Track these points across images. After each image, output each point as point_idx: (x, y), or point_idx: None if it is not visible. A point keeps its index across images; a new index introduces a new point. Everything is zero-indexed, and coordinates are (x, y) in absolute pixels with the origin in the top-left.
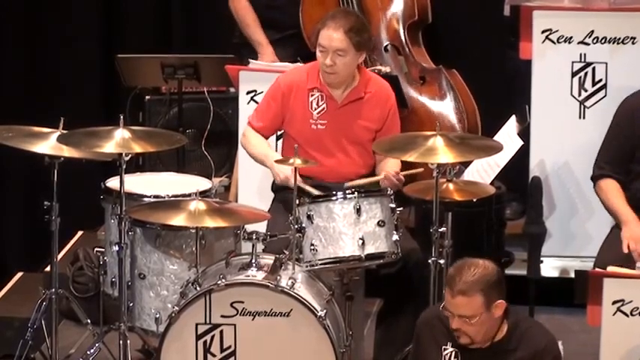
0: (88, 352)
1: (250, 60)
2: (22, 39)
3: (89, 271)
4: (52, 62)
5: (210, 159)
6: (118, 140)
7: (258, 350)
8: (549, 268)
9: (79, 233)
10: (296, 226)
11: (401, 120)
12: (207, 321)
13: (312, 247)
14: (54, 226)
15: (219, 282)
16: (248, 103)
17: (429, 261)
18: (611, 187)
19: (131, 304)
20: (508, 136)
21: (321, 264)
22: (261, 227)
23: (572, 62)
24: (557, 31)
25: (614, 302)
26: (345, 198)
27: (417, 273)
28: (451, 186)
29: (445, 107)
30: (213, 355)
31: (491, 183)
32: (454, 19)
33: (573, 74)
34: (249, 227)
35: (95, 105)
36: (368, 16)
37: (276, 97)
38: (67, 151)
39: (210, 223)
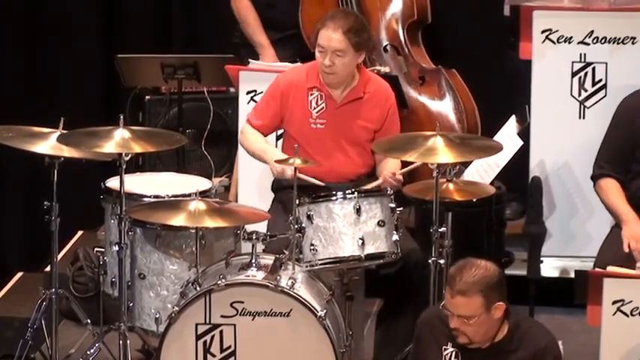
0: (88, 352)
1: (250, 60)
2: (22, 39)
3: (89, 271)
4: (52, 62)
5: (210, 159)
6: (118, 140)
7: (258, 350)
8: (549, 268)
9: (79, 233)
10: (296, 226)
11: (400, 120)
12: (207, 321)
13: (312, 247)
14: (54, 226)
15: (219, 282)
16: (248, 103)
17: (429, 261)
18: (611, 186)
19: (131, 304)
20: (508, 136)
21: (321, 264)
22: (261, 227)
23: (572, 62)
24: (557, 31)
25: (614, 302)
26: (345, 198)
27: (417, 273)
28: (451, 186)
29: (444, 107)
30: (213, 355)
31: (491, 183)
32: (454, 19)
33: (573, 74)
34: (249, 227)
35: (95, 105)
36: (367, 16)
37: (275, 96)
38: (67, 151)
39: (210, 223)
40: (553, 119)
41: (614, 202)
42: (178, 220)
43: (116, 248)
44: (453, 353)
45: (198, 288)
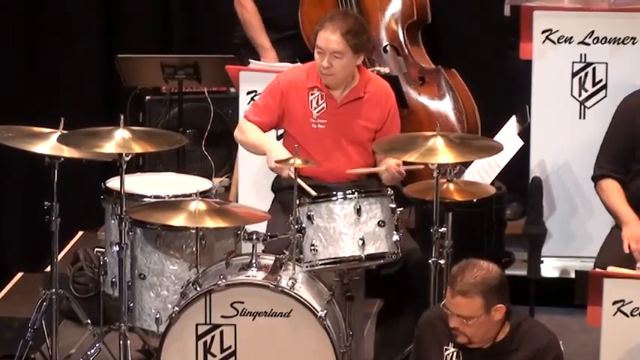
0: (89, 353)
1: (250, 60)
2: (22, 39)
3: (89, 272)
4: (52, 62)
5: (210, 159)
6: (118, 140)
7: (259, 351)
8: (549, 269)
9: (80, 233)
10: (296, 227)
11: (400, 120)
12: (208, 321)
13: (313, 248)
14: (54, 226)
15: (219, 282)
16: (248, 103)
17: (430, 261)
18: (612, 187)
19: (131, 305)
20: (508, 136)
21: (321, 264)
22: (261, 227)
23: (573, 62)
24: (557, 31)
25: (615, 302)
26: (345, 198)
27: (417, 273)
28: (451, 186)
29: (444, 107)
30: (214, 356)
31: (492, 183)
32: (454, 19)
33: (573, 74)
34: (250, 227)
35: (95, 105)
36: (367, 16)
37: (274, 94)
38: (67, 152)
39: (211, 223)
40: (553, 119)
41: (614, 203)
42: (179, 220)
43: (116, 248)
44: (454, 353)
45: (198, 288)
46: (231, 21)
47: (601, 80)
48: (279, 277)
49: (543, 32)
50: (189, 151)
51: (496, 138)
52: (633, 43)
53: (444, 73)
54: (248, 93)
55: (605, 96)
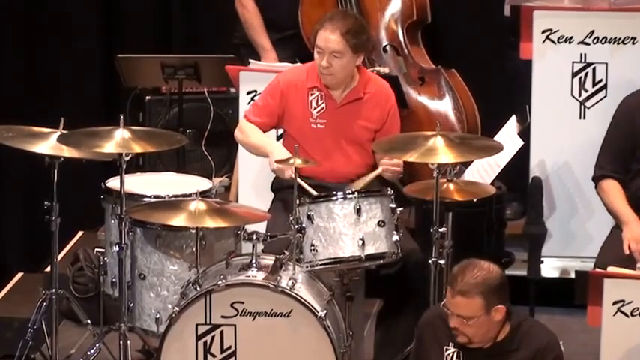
0: (89, 353)
1: (251, 60)
2: (22, 39)
3: (89, 272)
4: (52, 62)
5: (210, 159)
6: (118, 140)
7: (259, 351)
8: (549, 269)
9: (80, 233)
10: (296, 227)
11: (400, 120)
12: (208, 321)
13: (313, 248)
14: (54, 226)
15: (219, 282)
16: (248, 103)
17: (430, 261)
18: (612, 187)
19: (131, 305)
20: (508, 136)
21: (321, 264)
22: (261, 227)
23: (573, 62)
24: (557, 31)
25: (615, 302)
26: (345, 198)
27: (417, 273)
28: (451, 186)
29: (444, 107)
30: (214, 356)
31: (492, 183)
32: (454, 19)
33: (573, 74)
34: (250, 227)
35: (95, 105)
36: (367, 16)
37: (274, 94)
38: (67, 152)
39: (211, 223)
40: (553, 119)
41: (614, 203)
42: (178, 220)
43: (116, 248)
44: (455, 353)
45: (198, 288)
46: (231, 21)
47: (601, 80)
48: (279, 277)
49: (543, 32)
50: (189, 151)
51: (496, 138)
52: (633, 43)
53: (443, 73)
54: (248, 93)
55: (605, 96)
